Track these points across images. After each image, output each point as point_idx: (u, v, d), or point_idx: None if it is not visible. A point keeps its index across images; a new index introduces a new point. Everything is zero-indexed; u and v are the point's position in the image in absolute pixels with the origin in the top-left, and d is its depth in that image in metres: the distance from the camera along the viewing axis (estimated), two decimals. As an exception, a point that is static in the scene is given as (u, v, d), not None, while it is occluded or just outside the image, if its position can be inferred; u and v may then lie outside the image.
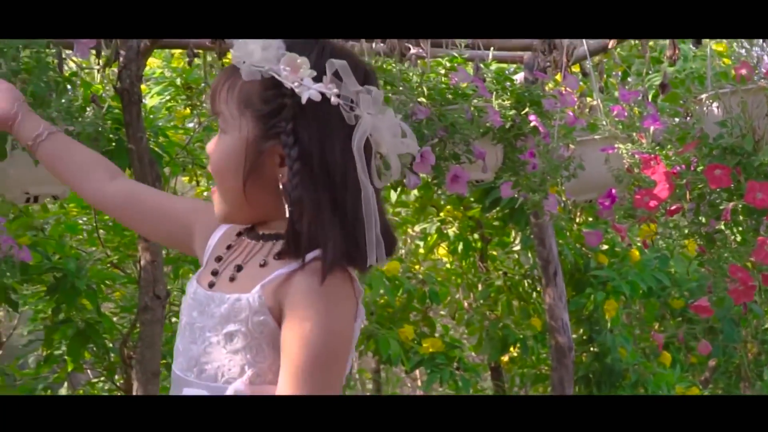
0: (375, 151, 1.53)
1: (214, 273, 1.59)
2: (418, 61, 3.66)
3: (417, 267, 6.21)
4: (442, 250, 6.15)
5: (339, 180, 1.49)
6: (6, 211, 4.51)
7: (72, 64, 3.99)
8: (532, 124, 3.34)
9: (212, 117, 1.63)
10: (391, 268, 5.21)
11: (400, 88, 3.12)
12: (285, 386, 1.45)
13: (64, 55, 3.22)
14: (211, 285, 1.57)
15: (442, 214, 5.79)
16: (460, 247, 5.82)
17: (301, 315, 1.45)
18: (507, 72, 4.41)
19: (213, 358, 1.51)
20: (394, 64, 3.28)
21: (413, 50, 3.44)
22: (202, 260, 1.67)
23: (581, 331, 5.84)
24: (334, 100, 1.46)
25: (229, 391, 1.49)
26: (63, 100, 2.78)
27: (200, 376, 1.53)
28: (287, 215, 1.50)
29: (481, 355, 6.44)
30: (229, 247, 1.62)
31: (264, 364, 1.50)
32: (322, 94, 1.47)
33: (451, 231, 5.81)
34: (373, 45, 3.43)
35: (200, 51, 4.44)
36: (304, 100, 1.47)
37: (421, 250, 6.33)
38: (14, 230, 4.45)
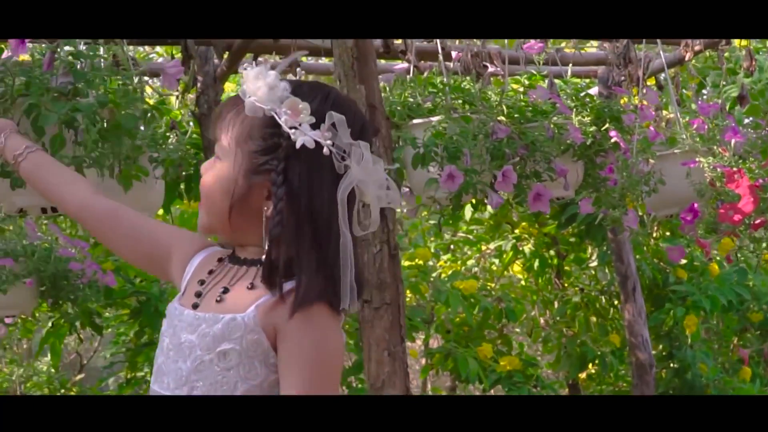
0: (359, 200, 1.60)
1: (198, 295, 1.64)
2: (491, 79, 3.66)
3: (492, 284, 6.19)
4: (517, 267, 6.12)
5: (323, 223, 1.55)
6: (89, 235, 4.59)
7: (149, 90, 4.05)
8: (612, 140, 3.31)
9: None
10: (468, 286, 5.19)
11: (480, 108, 3.12)
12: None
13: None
14: (195, 306, 1.63)
15: (517, 230, 5.76)
16: (536, 263, 5.78)
17: (296, 337, 1.53)
18: (580, 86, 4.38)
19: (205, 375, 1.57)
20: (471, 84, 3.28)
21: (490, 69, 3.43)
22: (180, 285, 1.72)
23: (661, 347, 5.77)
24: (326, 150, 1.52)
25: None
26: (148, 129, 2.81)
27: (192, 393, 1.58)
28: (265, 247, 1.57)
29: (558, 373, 6.39)
30: (210, 272, 1.67)
31: (255, 381, 1.55)
32: (316, 142, 1.53)
33: (527, 248, 5.78)
34: (452, 64, 3.43)
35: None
36: (298, 145, 1.53)
37: (494, 267, 6.31)
38: (97, 255, 4.53)
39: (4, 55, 2.42)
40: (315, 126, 1.54)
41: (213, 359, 1.56)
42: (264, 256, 1.57)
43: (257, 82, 1.57)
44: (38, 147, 1.90)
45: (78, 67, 2.41)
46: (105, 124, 2.43)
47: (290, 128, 1.53)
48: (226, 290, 1.61)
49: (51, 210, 2.66)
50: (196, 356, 1.57)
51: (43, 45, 2.48)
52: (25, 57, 2.39)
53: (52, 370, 6.36)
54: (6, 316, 4.42)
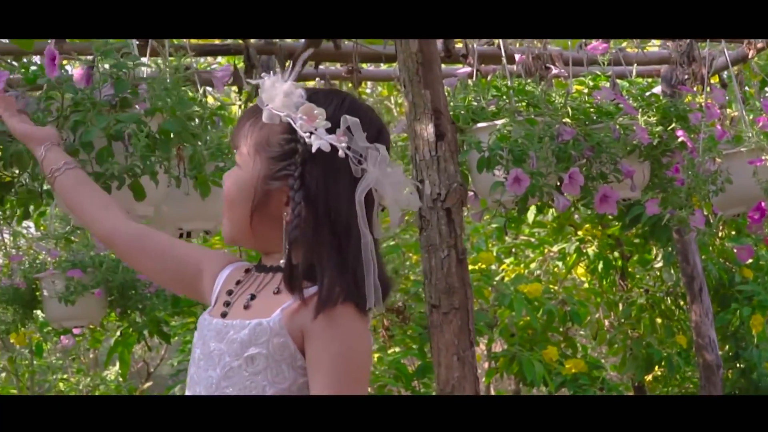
0: (378, 203, 1.63)
1: (227, 304, 1.67)
2: (554, 81, 3.64)
3: (555, 287, 6.16)
4: (580, 270, 6.08)
5: (342, 225, 1.58)
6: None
7: (211, 100, 4.09)
8: (679, 140, 3.28)
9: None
10: (532, 289, 5.17)
11: (544, 110, 3.10)
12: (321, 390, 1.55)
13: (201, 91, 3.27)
14: (224, 315, 1.65)
15: (580, 233, 5.72)
16: (600, 265, 5.74)
17: (324, 346, 1.55)
18: (643, 86, 4.34)
19: (234, 381, 1.58)
20: (535, 86, 3.27)
21: (553, 71, 3.42)
22: (210, 299, 1.74)
23: (727, 347, 5.70)
24: (341, 153, 1.55)
25: None
26: (209, 137, 2.82)
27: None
28: (285, 252, 1.60)
29: (624, 375, 6.34)
30: (238, 282, 1.70)
31: (284, 384, 1.57)
32: (332, 146, 1.56)
33: (590, 250, 5.74)
34: (514, 67, 3.42)
35: (336, 81, 4.50)
36: (313, 149, 1.55)
37: (557, 270, 6.27)
38: (164, 265, 4.56)
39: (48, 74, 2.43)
40: (331, 131, 1.57)
41: (241, 365, 1.58)
42: (284, 261, 1.59)
43: (273, 90, 1.60)
44: (77, 164, 1.96)
45: (123, 77, 2.42)
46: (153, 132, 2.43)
47: (306, 133, 1.56)
48: (252, 297, 1.64)
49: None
50: (225, 363, 1.59)
51: (74, 62, 2.49)
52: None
53: (120, 379, 6.44)
54: (75, 326, 4.49)
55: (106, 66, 2.39)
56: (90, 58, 2.40)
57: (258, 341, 1.57)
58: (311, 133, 1.56)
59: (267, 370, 1.57)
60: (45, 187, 2.40)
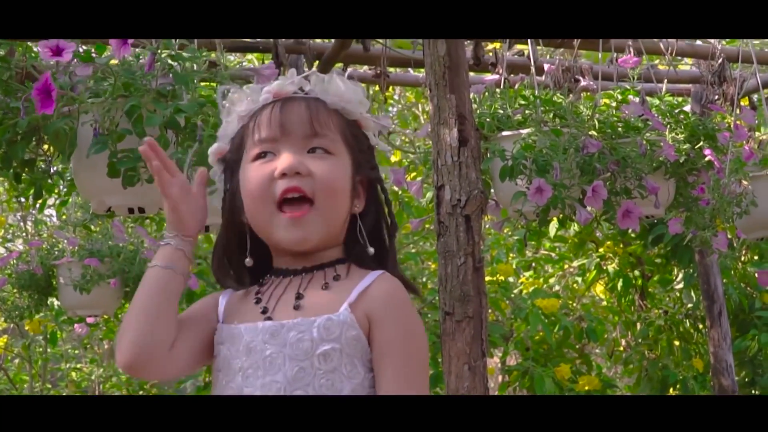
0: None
1: (264, 311, 1.59)
2: (583, 93, 3.61)
3: (573, 303, 6.11)
4: (599, 287, 6.03)
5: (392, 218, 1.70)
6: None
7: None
8: (706, 158, 3.23)
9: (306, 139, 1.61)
10: (549, 304, 5.13)
11: (571, 121, 3.07)
12: (404, 377, 1.53)
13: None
14: (269, 319, 1.57)
15: (601, 249, 5.68)
16: (620, 284, 5.69)
17: (396, 319, 1.55)
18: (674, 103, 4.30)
19: (307, 382, 1.52)
20: (563, 97, 3.23)
21: (582, 82, 3.39)
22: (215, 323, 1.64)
23: (744, 373, 5.63)
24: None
25: None
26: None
27: None
28: (365, 242, 1.63)
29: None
30: (258, 293, 1.62)
31: (357, 380, 1.53)
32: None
33: (611, 267, 5.69)
34: (543, 78, 3.39)
35: (363, 84, 4.48)
36: (380, 148, 1.69)
37: (576, 286, 6.22)
38: (181, 259, 4.56)
39: (106, 54, 2.45)
40: None
41: (313, 363, 1.52)
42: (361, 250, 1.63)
43: (341, 86, 1.64)
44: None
45: (176, 68, 2.43)
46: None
47: (380, 133, 1.69)
48: (300, 296, 1.58)
49: (138, 210, 2.68)
50: (292, 365, 1.52)
51: (138, 49, 2.50)
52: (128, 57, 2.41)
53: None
54: (89, 315, 4.48)
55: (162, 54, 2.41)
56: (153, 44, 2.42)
57: (330, 337, 1.52)
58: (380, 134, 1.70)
59: (342, 366, 1.52)
60: (54, 168, 2.41)
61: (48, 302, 4.56)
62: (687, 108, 4.26)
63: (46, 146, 2.59)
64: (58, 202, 5.14)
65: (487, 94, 3.32)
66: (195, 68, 2.55)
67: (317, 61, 3.96)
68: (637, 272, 5.76)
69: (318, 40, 4.07)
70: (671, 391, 5.72)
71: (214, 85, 2.55)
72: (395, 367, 1.52)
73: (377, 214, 1.67)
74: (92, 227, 4.68)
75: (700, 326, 5.64)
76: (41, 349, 6.74)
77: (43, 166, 2.63)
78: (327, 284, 1.58)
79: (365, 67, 4.35)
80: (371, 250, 1.62)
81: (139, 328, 1.57)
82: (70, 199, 4.80)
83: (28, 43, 2.43)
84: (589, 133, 3.05)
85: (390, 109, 6.23)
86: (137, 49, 2.49)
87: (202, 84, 2.70)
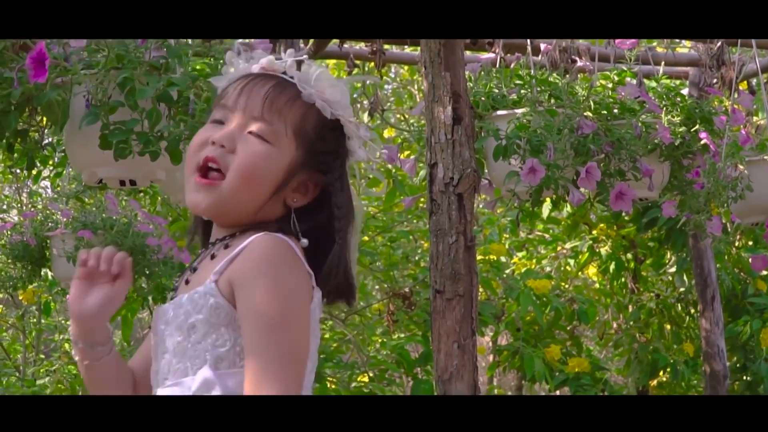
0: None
1: (174, 290, 1.63)
2: (580, 75, 3.60)
3: (565, 285, 6.11)
4: (592, 269, 6.03)
5: (349, 227, 1.64)
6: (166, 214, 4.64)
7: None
8: (702, 142, 3.23)
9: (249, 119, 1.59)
10: (540, 285, 5.13)
11: (566, 102, 3.06)
12: (249, 351, 1.48)
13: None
14: (172, 299, 1.60)
15: (594, 232, 5.68)
16: (612, 266, 5.69)
17: (251, 283, 1.49)
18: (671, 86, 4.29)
19: (182, 353, 1.53)
20: (559, 78, 3.22)
21: (579, 63, 3.37)
22: None
23: (735, 358, 5.65)
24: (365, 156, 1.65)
25: (197, 380, 1.50)
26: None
27: (173, 377, 1.55)
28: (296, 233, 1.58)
29: (627, 379, 6.30)
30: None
31: (225, 348, 1.52)
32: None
33: (603, 250, 5.69)
34: (539, 57, 3.38)
35: (359, 61, 4.46)
36: (359, 157, 1.63)
37: (569, 268, 6.23)
38: (174, 232, 4.56)
39: None
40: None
41: (187, 336, 1.52)
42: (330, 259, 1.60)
43: (325, 83, 1.60)
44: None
45: (170, 42, 2.42)
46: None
47: (359, 140, 1.63)
48: (194, 270, 1.59)
49: (129, 183, 2.67)
50: (172, 341, 1.54)
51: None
52: None
53: (125, 344, 6.44)
54: (81, 287, 4.47)
55: None
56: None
57: (195, 309, 1.52)
58: (360, 140, 1.62)
59: (207, 335, 1.51)
60: (49, 140, 2.40)
61: (41, 273, 4.56)
62: (685, 91, 4.25)
63: (39, 117, 2.58)
64: (53, 173, 5.13)
65: (482, 72, 3.30)
66: (189, 42, 2.54)
67: (312, 40, 3.94)
68: (629, 255, 5.76)
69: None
70: (661, 375, 5.74)
71: (208, 60, 2.53)
72: (251, 332, 1.48)
73: (328, 216, 1.61)
74: (85, 199, 4.68)
75: (692, 311, 5.65)
76: (35, 320, 6.75)
77: (36, 136, 2.62)
78: (214, 255, 1.57)
79: (361, 44, 4.33)
80: (305, 241, 1.57)
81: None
82: (64, 171, 4.79)
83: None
84: (584, 114, 3.04)
85: (385, 87, 6.20)
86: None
87: (196, 59, 2.69)
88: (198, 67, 2.40)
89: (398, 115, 5.78)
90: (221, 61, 2.50)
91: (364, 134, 1.64)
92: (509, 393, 8.05)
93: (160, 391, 1.57)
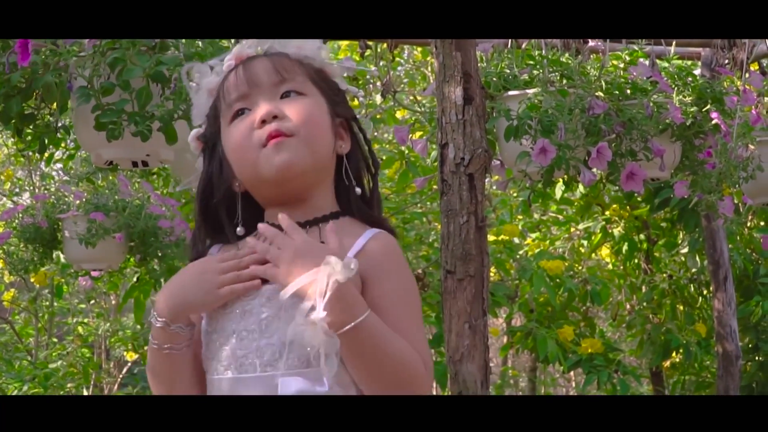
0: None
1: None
2: (592, 55, 3.58)
3: (578, 266, 6.10)
4: (605, 250, 6.02)
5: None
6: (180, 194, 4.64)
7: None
8: (713, 122, 3.21)
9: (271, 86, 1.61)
10: (553, 266, 5.12)
11: (578, 82, 3.05)
12: (404, 331, 1.51)
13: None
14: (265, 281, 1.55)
15: (607, 212, 5.66)
16: (625, 247, 5.68)
17: (392, 276, 1.55)
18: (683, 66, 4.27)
19: (301, 337, 1.47)
20: (570, 58, 3.21)
21: (591, 43, 3.36)
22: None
23: (747, 339, 5.63)
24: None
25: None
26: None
27: (287, 366, 1.51)
28: (351, 183, 1.64)
29: (641, 360, 6.30)
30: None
31: None
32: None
33: (616, 230, 5.68)
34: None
35: (371, 42, 4.45)
36: (349, 91, 1.72)
37: (582, 249, 6.21)
38: (186, 214, 4.57)
39: None
40: None
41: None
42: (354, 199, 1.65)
43: (294, 43, 1.67)
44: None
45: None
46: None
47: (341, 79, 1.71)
48: None
49: (141, 164, 2.67)
50: (286, 330, 1.50)
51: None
52: None
53: (138, 327, 6.46)
54: (93, 269, 4.50)
55: None
56: None
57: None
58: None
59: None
60: (61, 123, 2.40)
61: (53, 256, 4.58)
62: (697, 72, 4.23)
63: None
64: (65, 156, 5.15)
65: (494, 53, 3.29)
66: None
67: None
68: (642, 236, 5.75)
69: None
70: (674, 355, 5.73)
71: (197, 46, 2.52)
72: (392, 322, 1.50)
73: (359, 155, 1.69)
74: (97, 181, 4.69)
75: (705, 292, 5.64)
76: (47, 303, 6.77)
77: (50, 119, 2.62)
78: (323, 241, 1.55)
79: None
80: (358, 190, 1.63)
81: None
82: (77, 153, 4.80)
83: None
84: (596, 94, 3.03)
85: (398, 68, 6.19)
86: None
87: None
88: (194, 46, 2.39)
89: (411, 97, 5.77)
90: (216, 41, 2.49)
91: (348, 65, 1.71)
92: (523, 374, 8.07)
93: (285, 381, 1.50)
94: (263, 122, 1.57)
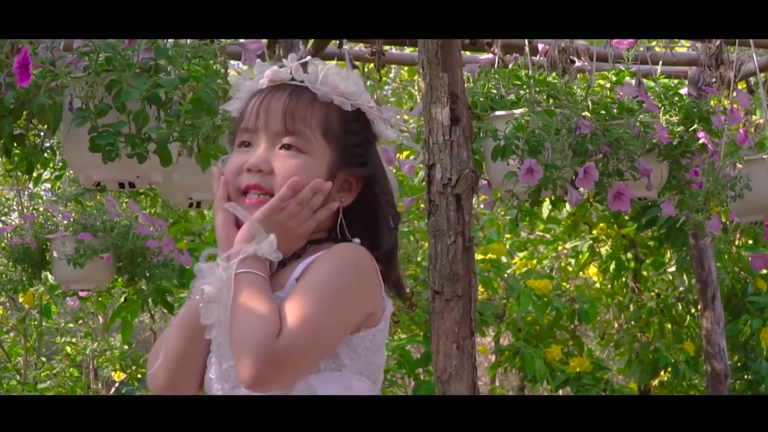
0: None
1: None
2: (578, 75, 3.59)
3: (566, 285, 6.11)
4: (592, 269, 6.03)
5: (395, 212, 1.65)
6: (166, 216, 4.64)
7: (233, 73, 4.05)
8: (700, 141, 3.23)
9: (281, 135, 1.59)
10: (540, 285, 5.13)
11: (564, 102, 3.06)
12: (293, 307, 1.47)
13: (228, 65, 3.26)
14: None
15: (594, 231, 5.68)
16: (612, 266, 5.69)
17: (320, 267, 1.52)
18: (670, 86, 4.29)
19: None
20: (557, 78, 3.22)
21: (577, 63, 3.37)
22: None
23: (736, 357, 5.65)
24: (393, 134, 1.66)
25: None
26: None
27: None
28: (343, 235, 1.59)
29: (629, 378, 6.30)
30: None
31: None
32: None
33: (604, 249, 5.69)
34: (537, 57, 3.38)
35: (358, 62, 4.46)
36: (387, 137, 1.65)
37: (570, 267, 6.23)
38: (174, 235, 4.57)
39: None
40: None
41: None
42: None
43: (336, 77, 1.60)
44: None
45: (160, 43, 2.42)
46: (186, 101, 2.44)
47: (383, 122, 1.64)
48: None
49: (128, 185, 2.66)
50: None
51: None
52: None
53: (125, 347, 6.44)
54: (81, 289, 4.49)
55: None
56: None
57: None
58: (380, 119, 1.63)
59: None
60: (48, 143, 2.40)
61: (42, 276, 4.57)
62: (683, 91, 4.25)
63: (36, 121, 2.59)
64: (53, 176, 5.14)
65: (481, 73, 3.30)
66: (181, 43, 2.53)
67: (311, 40, 3.94)
68: (630, 255, 5.76)
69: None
70: (662, 374, 5.73)
71: (197, 61, 2.52)
72: (291, 298, 1.48)
73: (374, 206, 1.62)
74: (85, 202, 4.69)
75: (693, 310, 5.65)
76: (36, 323, 6.76)
77: (37, 140, 2.62)
78: (284, 262, 1.56)
79: (361, 45, 4.33)
80: (357, 241, 1.58)
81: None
82: (65, 174, 4.79)
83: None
84: (583, 114, 3.05)
85: (385, 87, 6.21)
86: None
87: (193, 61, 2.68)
88: (194, 69, 2.39)
89: (397, 117, 5.78)
90: (211, 62, 2.49)
91: (387, 114, 1.66)
92: (511, 393, 8.05)
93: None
94: (249, 170, 1.58)
